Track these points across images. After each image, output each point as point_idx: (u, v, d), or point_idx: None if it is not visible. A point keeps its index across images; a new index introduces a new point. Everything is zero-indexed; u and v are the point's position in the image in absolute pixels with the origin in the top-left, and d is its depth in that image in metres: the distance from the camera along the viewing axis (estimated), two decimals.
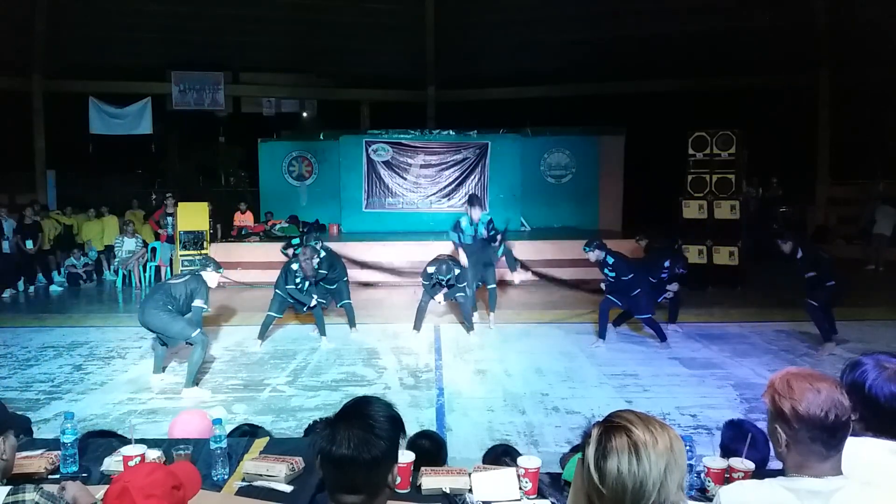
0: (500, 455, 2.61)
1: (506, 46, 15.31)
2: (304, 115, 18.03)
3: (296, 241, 9.29)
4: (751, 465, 2.16)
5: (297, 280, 6.96)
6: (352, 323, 7.58)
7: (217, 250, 11.29)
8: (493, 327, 7.78)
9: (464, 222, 7.82)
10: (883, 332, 7.49)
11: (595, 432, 1.24)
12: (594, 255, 6.92)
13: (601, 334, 6.97)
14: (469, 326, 7.48)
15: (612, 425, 1.23)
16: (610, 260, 6.87)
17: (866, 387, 1.73)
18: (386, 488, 1.41)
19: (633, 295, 6.89)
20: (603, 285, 7.12)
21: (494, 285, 8.02)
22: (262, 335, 7.09)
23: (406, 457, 2.16)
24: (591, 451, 1.23)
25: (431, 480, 2.18)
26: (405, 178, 14.10)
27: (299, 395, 5.60)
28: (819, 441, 1.46)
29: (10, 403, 2.19)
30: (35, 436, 2.94)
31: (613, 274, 6.87)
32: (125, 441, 2.53)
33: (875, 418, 1.71)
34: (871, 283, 11.19)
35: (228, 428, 3.07)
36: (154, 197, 14.07)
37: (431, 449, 2.64)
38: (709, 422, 4.77)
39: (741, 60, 14.21)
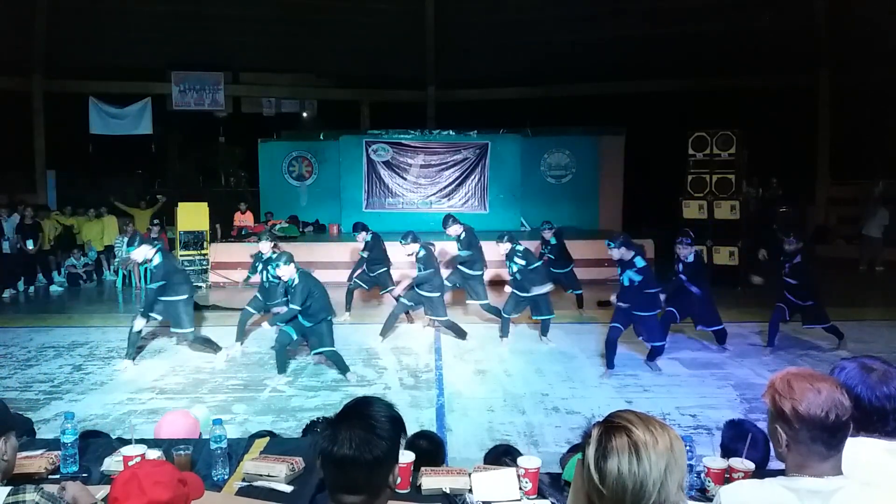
0: (501, 455, 2.62)
1: (506, 46, 15.30)
2: (304, 115, 18.03)
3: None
4: (751, 465, 2.16)
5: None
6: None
7: (217, 250, 11.32)
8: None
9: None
10: (883, 332, 7.50)
11: (595, 432, 1.24)
12: (618, 253, 5.90)
13: (609, 364, 6.07)
14: (460, 334, 7.22)
15: (613, 425, 1.23)
16: (640, 263, 5.86)
17: (854, 392, 1.72)
18: (387, 488, 1.42)
19: (646, 315, 5.99)
20: (613, 298, 6.15)
21: (486, 301, 7.70)
22: (239, 336, 7.02)
23: (406, 457, 2.16)
24: (591, 452, 1.23)
25: (431, 480, 2.18)
26: (405, 178, 14.11)
27: (299, 395, 5.60)
28: (819, 441, 1.46)
29: (11, 403, 2.18)
30: (35, 436, 2.94)
31: (640, 278, 5.82)
32: (124, 441, 2.53)
33: (865, 418, 1.73)
34: (869, 283, 11.22)
35: (236, 430, 3.08)
36: (152, 197, 14.04)
37: (430, 449, 2.64)
38: (709, 422, 4.78)
39: (741, 60, 14.21)
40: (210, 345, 6.56)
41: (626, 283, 5.92)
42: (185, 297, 6.39)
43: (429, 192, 14.09)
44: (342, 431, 1.35)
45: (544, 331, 7.19)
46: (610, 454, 1.19)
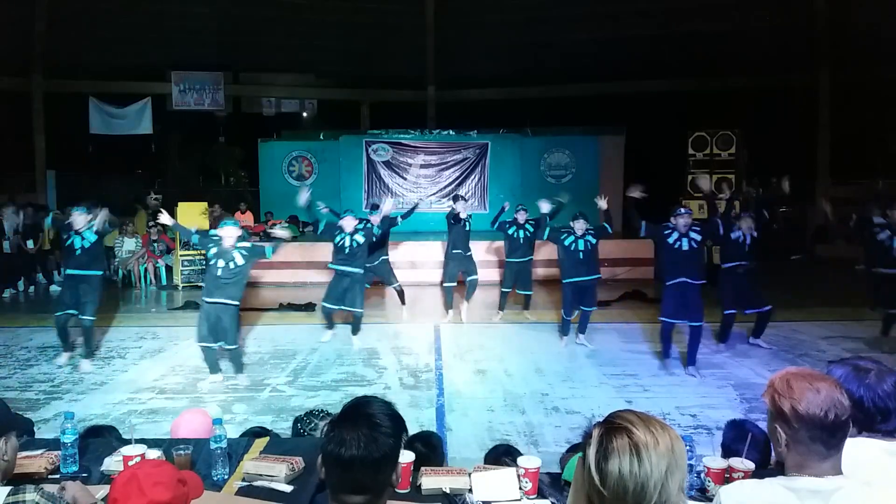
0: (502, 455, 2.61)
1: (506, 46, 15.31)
2: (304, 115, 18.04)
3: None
4: (751, 465, 2.16)
5: None
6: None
7: None
8: (464, 321, 8.12)
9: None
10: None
11: (596, 433, 1.24)
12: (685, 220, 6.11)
13: (665, 353, 6.20)
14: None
15: (613, 426, 1.23)
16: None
17: (855, 395, 1.72)
18: (389, 487, 1.42)
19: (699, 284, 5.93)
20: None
21: (475, 276, 8.20)
22: None
23: (406, 457, 2.16)
24: (591, 452, 1.22)
25: (431, 480, 2.18)
26: (405, 178, 14.12)
27: (299, 395, 5.60)
28: (819, 440, 1.46)
29: (11, 403, 2.18)
30: (35, 436, 2.94)
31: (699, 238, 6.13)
32: (125, 440, 2.53)
33: (867, 419, 1.73)
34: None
35: (236, 430, 3.07)
36: (152, 196, 14.02)
37: (430, 449, 2.64)
38: (709, 422, 4.78)
39: (741, 60, 14.21)
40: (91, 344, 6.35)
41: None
42: (99, 274, 6.28)
43: (429, 191, 14.10)
44: (348, 433, 1.35)
45: (582, 327, 7.12)
46: (611, 455, 1.19)
